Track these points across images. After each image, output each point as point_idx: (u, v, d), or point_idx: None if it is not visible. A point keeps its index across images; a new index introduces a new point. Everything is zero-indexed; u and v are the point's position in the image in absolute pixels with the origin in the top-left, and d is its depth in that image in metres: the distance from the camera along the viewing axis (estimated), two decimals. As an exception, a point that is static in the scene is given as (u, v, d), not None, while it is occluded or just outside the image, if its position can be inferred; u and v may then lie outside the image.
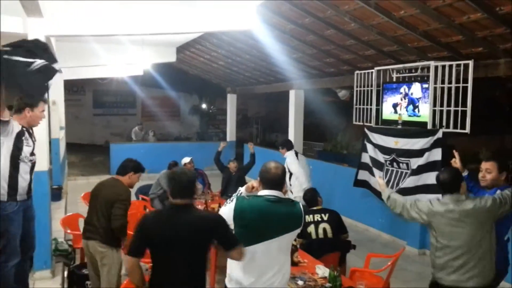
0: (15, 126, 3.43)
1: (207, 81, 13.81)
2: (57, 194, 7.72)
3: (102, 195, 3.85)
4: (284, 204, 2.70)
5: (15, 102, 3.52)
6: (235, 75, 11.45)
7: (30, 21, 4.23)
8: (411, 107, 5.97)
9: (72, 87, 16.50)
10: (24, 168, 3.52)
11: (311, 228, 4.41)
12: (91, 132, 18.45)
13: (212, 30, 6.34)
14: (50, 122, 6.95)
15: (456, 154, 3.65)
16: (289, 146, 6.65)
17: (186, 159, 6.98)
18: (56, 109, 8.48)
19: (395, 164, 6.15)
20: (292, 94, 9.81)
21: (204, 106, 19.39)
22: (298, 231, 2.72)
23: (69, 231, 5.09)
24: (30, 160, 3.58)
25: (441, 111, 5.41)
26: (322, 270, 3.57)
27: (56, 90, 8.22)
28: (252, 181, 2.88)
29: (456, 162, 3.62)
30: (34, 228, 3.77)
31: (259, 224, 2.63)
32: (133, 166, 3.99)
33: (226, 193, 6.76)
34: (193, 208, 2.69)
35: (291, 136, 10.01)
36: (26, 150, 3.52)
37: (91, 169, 12.91)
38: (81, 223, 4.41)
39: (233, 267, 2.73)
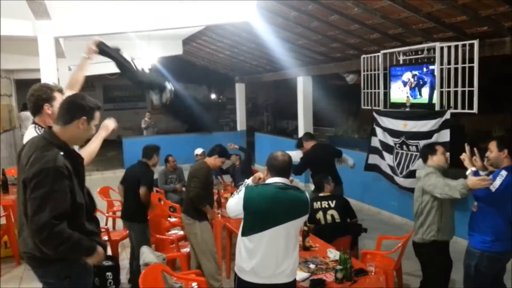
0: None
1: (215, 71, 13.87)
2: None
3: (189, 175, 4.53)
4: (291, 191, 2.78)
5: (28, 99, 2.94)
6: (242, 64, 11.49)
7: (39, 24, 4.33)
8: (418, 89, 5.98)
9: (82, 84, 16.68)
10: None
11: (319, 215, 4.50)
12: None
13: (213, 23, 6.41)
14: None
15: (476, 152, 3.54)
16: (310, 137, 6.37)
17: (198, 151, 7.11)
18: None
19: (404, 146, 6.18)
20: (300, 80, 9.83)
21: (213, 96, 19.44)
22: (305, 218, 2.80)
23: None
24: None
25: (449, 92, 5.42)
26: (333, 254, 3.66)
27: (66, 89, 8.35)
28: (258, 173, 2.98)
29: (476, 160, 3.52)
30: None
31: (269, 209, 2.70)
32: (219, 151, 4.55)
33: (236, 184, 6.92)
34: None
35: (300, 123, 10.07)
36: None
37: (105, 164, 13.11)
38: (100, 217, 4.56)
39: (242, 254, 2.79)
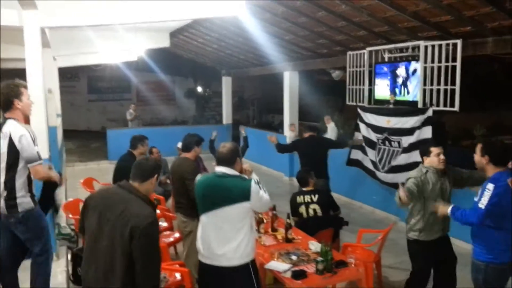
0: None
1: (202, 64, 13.85)
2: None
3: (175, 175, 4.39)
4: (230, 179, 2.93)
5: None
6: (229, 58, 11.49)
7: (25, 14, 4.28)
8: (402, 86, 6.09)
9: (66, 74, 16.43)
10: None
11: (302, 209, 4.57)
12: (87, 119, 18.50)
13: (201, 17, 6.40)
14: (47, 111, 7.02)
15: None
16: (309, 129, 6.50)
17: (180, 144, 7.03)
18: (52, 97, 8.51)
19: (387, 142, 6.29)
20: (286, 75, 9.89)
21: (199, 89, 19.39)
22: (246, 204, 2.87)
23: (71, 216, 5.25)
24: None
25: (431, 90, 5.54)
26: (314, 246, 3.74)
27: (51, 78, 8.26)
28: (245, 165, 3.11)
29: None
30: None
31: (205, 195, 2.97)
32: (195, 141, 4.46)
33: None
34: None
35: (286, 117, 10.14)
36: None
37: (88, 155, 13.03)
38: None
39: (197, 238, 3.04)
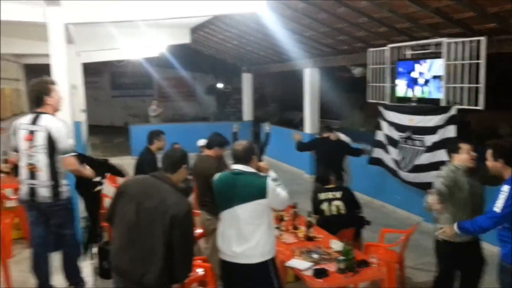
0: None
1: (222, 60, 13.87)
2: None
3: (199, 173, 4.45)
4: (247, 176, 2.96)
5: (31, 94, 3.67)
6: (249, 54, 11.48)
7: (49, 10, 4.36)
8: (424, 84, 5.98)
9: (90, 70, 16.68)
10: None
11: (324, 206, 4.55)
12: (110, 114, 18.73)
13: (221, 13, 6.41)
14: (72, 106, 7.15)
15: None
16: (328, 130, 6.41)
17: (201, 142, 7.06)
18: (77, 92, 8.68)
19: (409, 141, 6.20)
20: (306, 72, 9.83)
21: (220, 85, 19.43)
22: (262, 202, 2.89)
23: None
24: None
25: (455, 88, 5.43)
26: (336, 245, 3.73)
27: (75, 74, 8.40)
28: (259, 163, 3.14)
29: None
30: None
31: (223, 192, 3.02)
32: (218, 142, 4.50)
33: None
34: None
35: (306, 115, 10.08)
36: None
37: (112, 150, 13.22)
38: (106, 203, 4.65)
39: (217, 235, 3.09)
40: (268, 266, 2.98)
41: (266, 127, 7.57)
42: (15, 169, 5.53)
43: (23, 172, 3.54)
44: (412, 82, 6.17)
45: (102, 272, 4.37)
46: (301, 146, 6.40)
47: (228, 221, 2.99)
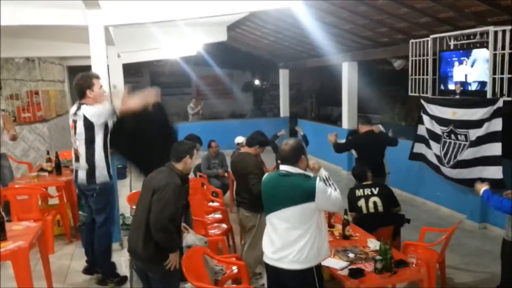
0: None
1: (259, 57, 13.85)
2: (122, 173, 8.20)
3: (237, 170, 4.48)
4: (294, 178, 2.80)
5: (75, 87, 3.89)
6: (286, 50, 11.40)
7: (89, 13, 4.48)
8: (469, 75, 5.72)
9: (130, 70, 17.10)
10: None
11: (361, 202, 4.44)
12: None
13: (258, 9, 6.40)
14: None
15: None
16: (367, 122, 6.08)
17: (239, 139, 7.10)
18: (117, 92, 8.92)
19: (453, 135, 5.96)
20: (345, 66, 9.66)
21: (257, 82, 19.44)
22: (311, 205, 2.72)
23: (134, 207, 5.46)
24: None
25: (502, 79, 5.15)
26: (373, 244, 3.62)
27: (116, 74, 8.64)
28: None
29: None
30: None
31: (269, 195, 2.90)
32: (259, 141, 4.50)
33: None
34: None
35: (344, 110, 9.91)
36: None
37: (152, 148, 13.48)
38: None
39: (263, 238, 3.00)
40: (313, 273, 2.81)
41: (299, 131, 7.51)
42: (57, 168, 5.77)
43: (73, 156, 3.97)
44: (456, 74, 5.91)
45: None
46: (339, 148, 6.00)
47: (274, 225, 2.87)
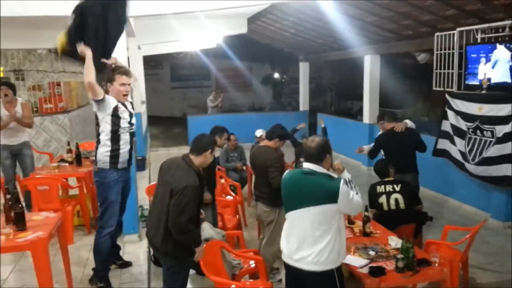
0: (112, 103, 3.72)
1: (279, 50, 13.73)
2: (141, 165, 8.25)
3: (256, 163, 4.39)
4: (317, 177, 2.70)
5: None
6: (307, 42, 11.26)
7: (109, 4, 4.46)
8: (497, 70, 5.52)
9: (150, 62, 17.20)
10: (124, 138, 3.85)
11: (382, 199, 4.34)
12: (169, 105, 19.26)
13: (279, 1, 6.30)
14: (133, 97, 7.40)
15: None
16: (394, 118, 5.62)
17: (259, 132, 7.05)
18: (137, 84, 8.98)
19: (478, 132, 5.78)
20: (367, 59, 9.47)
21: (276, 75, 19.32)
22: (332, 206, 2.63)
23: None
24: (129, 131, 3.89)
25: (532, 74, 4.95)
26: (395, 241, 3.53)
27: (136, 66, 8.68)
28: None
29: None
30: (127, 199, 4.17)
31: (290, 192, 2.81)
32: (279, 134, 4.41)
33: (297, 165, 6.82)
34: None
35: (366, 104, 9.74)
36: (122, 122, 3.80)
37: (171, 140, 13.59)
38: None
39: (282, 235, 2.93)
40: (334, 275, 2.73)
41: (321, 124, 7.40)
42: (77, 159, 5.83)
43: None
44: (483, 68, 5.72)
45: (157, 260, 4.47)
46: (370, 153, 5.64)
47: (293, 223, 2.80)
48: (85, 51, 3.58)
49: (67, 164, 5.81)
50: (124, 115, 3.82)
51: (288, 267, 2.88)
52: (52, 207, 4.67)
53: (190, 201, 2.96)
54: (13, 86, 5.86)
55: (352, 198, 2.68)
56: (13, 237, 3.15)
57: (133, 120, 3.95)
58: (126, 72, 3.86)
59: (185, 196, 2.94)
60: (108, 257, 3.97)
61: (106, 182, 3.81)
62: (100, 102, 3.64)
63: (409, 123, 5.44)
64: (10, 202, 3.37)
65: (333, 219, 2.69)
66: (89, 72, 3.53)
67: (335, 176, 2.78)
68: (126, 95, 3.88)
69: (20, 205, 3.32)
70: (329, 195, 2.63)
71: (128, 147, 3.91)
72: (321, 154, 2.75)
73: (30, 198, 5.10)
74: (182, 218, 2.94)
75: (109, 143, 3.79)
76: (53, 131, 8.91)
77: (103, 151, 3.79)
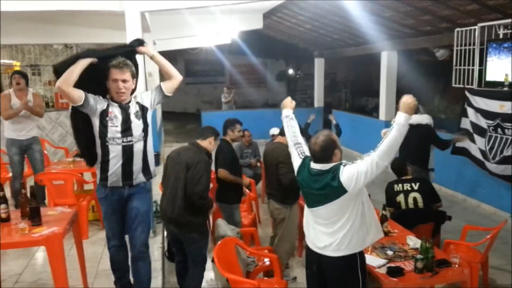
0: (98, 107, 3.09)
1: (294, 45, 13.62)
2: (155, 160, 8.24)
3: (268, 160, 4.36)
4: (323, 177, 2.62)
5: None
6: (323, 38, 11.13)
7: (126, -1, 4.46)
8: (520, 66, 5.37)
9: (165, 58, 17.23)
10: (114, 151, 3.13)
11: (400, 198, 4.25)
12: (183, 101, 19.27)
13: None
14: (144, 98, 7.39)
15: None
16: None
17: (275, 131, 6.91)
18: (152, 80, 8.97)
19: (499, 130, 5.64)
20: (384, 55, 9.33)
21: (291, 71, 19.20)
22: (344, 196, 2.53)
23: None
24: (122, 142, 3.13)
25: (557, 70, 4.80)
26: (413, 241, 3.45)
27: (151, 62, 8.68)
28: None
29: None
30: (138, 223, 3.30)
31: (304, 192, 2.83)
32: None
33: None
34: None
35: (382, 100, 9.61)
36: (111, 130, 3.11)
37: (185, 136, 13.59)
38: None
39: (304, 222, 2.92)
40: (357, 259, 2.67)
41: (332, 119, 7.30)
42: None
43: None
44: (505, 65, 5.56)
45: (170, 256, 4.46)
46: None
47: (314, 217, 2.76)
48: (150, 51, 3.45)
49: (82, 159, 5.81)
50: (114, 122, 3.10)
51: (311, 256, 2.82)
52: (67, 202, 4.69)
53: (204, 173, 3.46)
54: (25, 75, 5.83)
55: (359, 171, 2.49)
56: (28, 232, 3.15)
57: (137, 129, 3.18)
58: (116, 65, 3.08)
59: (200, 169, 3.43)
60: (118, 268, 3.52)
61: (97, 194, 3.37)
62: (82, 107, 3.03)
63: (425, 117, 5.35)
64: (24, 198, 3.37)
65: (352, 205, 2.60)
66: (69, 76, 2.91)
67: (344, 163, 2.62)
68: (122, 93, 3.12)
69: (35, 200, 3.31)
70: (336, 191, 2.56)
71: (120, 162, 3.14)
72: (327, 154, 2.65)
73: (39, 194, 5.07)
74: (200, 187, 3.41)
75: (100, 152, 3.19)
76: (69, 125, 8.81)
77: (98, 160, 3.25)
